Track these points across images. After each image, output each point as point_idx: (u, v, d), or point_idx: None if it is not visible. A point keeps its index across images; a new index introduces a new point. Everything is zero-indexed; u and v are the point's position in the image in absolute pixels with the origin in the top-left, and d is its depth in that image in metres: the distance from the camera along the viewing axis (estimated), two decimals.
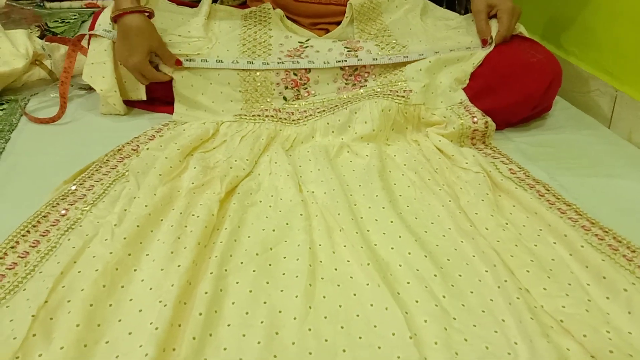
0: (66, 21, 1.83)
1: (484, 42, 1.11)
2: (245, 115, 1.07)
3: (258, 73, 1.09)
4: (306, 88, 1.10)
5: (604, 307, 0.64)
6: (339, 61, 1.09)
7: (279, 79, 1.09)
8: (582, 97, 1.22)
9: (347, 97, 1.08)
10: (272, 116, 1.06)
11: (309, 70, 1.09)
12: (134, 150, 0.95)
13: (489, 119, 1.02)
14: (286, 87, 1.09)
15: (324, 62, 1.08)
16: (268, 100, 1.09)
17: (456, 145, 0.98)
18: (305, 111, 1.07)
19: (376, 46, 1.12)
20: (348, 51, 1.11)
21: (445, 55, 1.09)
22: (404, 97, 1.04)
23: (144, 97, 1.12)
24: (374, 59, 1.09)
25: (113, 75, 1.07)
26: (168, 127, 1.04)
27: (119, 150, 0.95)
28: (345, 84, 1.10)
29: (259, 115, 1.06)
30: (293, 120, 1.06)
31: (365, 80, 1.10)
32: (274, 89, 1.09)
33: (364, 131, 0.99)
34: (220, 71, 1.08)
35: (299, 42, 1.13)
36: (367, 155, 0.94)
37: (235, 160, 0.90)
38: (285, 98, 1.10)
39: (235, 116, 1.06)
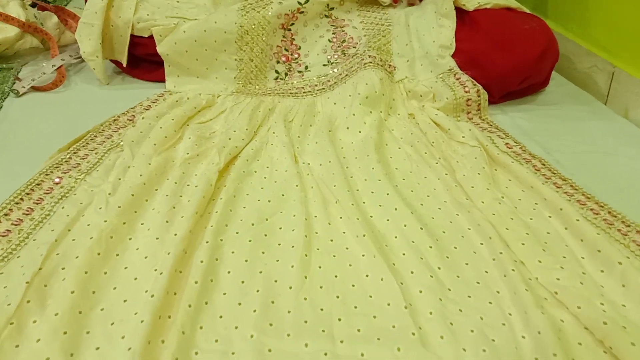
0: None
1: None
2: (241, 92, 1.07)
3: (255, 43, 1.09)
4: (297, 62, 1.12)
5: (599, 280, 0.64)
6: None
7: (271, 53, 1.10)
8: (579, 74, 1.21)
9: (341, 71, 1.07)
10: (269, 93, 1.06)
11: (298, 46, 1.12)
12: (130, 120, 0.94)
13: (480, 87, 1.01)
14: (278, 62, 1.11)
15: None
16: (262, 77, 1.09)
17: (453, 119, 0.97)
18: (302, 87, 1.08)
19: (361, 23, 1.16)
20: (334, 28, 1.15)
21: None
22: (390, 72, 1.06)
23: (125, 62, 1.11)
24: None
25: (98, 39, 1.06)
26: (164, 97, 1.03)
27: (114, 120, 0.94)
28: (334, 52, 1.13)
29: (256, 94, 1.06)
30: (291, 93, 1.06)
31: (354, 47, 1.13)
32: (267, 62, 1.10)
33: (367, 91, 0.98)
34: (217, 37, 1.07)
35: (298, 1, 1.12)
36: (365, 127, 0.94)
37: (234, 131, 0.89)
38: (277, 71, 1.10)
39: (232, 93, 1.06)
